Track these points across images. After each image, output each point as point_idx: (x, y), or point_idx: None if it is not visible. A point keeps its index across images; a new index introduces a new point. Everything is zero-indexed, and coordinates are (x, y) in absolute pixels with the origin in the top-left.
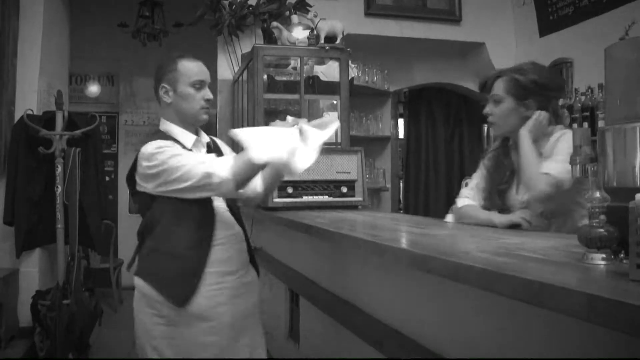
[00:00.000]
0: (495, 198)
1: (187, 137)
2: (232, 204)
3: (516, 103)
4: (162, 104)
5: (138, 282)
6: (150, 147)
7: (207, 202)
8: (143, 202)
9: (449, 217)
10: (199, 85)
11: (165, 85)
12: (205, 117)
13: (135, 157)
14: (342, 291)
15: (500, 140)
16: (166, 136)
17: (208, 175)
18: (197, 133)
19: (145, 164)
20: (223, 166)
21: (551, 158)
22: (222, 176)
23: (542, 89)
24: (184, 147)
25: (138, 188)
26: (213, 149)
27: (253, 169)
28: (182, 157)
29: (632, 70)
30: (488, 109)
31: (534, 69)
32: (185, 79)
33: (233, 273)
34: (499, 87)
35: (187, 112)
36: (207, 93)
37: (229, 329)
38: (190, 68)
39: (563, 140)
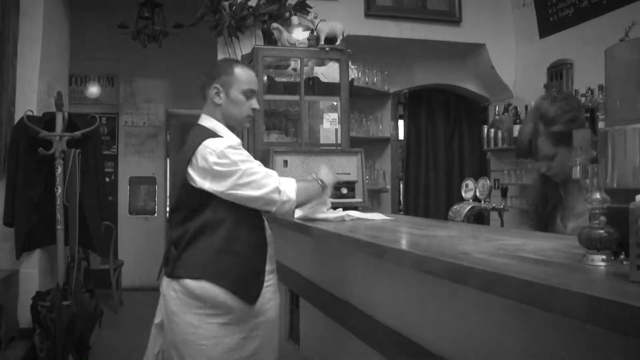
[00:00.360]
0: (542, 227)
1: (233, 139)
2: None
3: (568, 147)
4: (210, 102)
5: (196, 285)
6: (220, 144)
7: None
8: (195, 199)
9: None
10: (249, 94)
11: (218, 87)
12: (248, 125)
13: (194, 149)
14: (343, 292)
15: (540, 181)
16: (212, 133)
17: (277, 190)
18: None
19: (213, 159)
20: (290, 186)
21: None
22: (289, 195)
23: (578, 119)
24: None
25: (191, 182)
26: None
27: (314, 194)
28: (254, 164)
29: (632, 72)
30: (545, 168)
31: (558, 109)
32: (239, 85)
33: (273, 271)
34: (544, 146)
35: (234, 117)
36: (255, 103)
37: (272, 323)
38: (246, 76)
39: None
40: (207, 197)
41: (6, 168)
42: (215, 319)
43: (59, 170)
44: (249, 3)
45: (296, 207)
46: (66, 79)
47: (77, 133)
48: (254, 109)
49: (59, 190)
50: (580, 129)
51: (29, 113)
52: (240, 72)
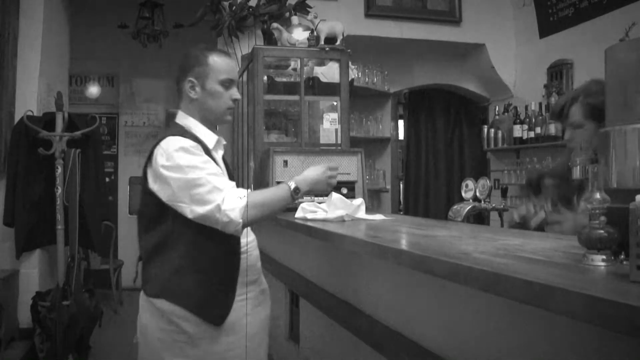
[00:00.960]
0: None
1: (209, 137)
2: None
3: (596, 125)
4: (185, 98)
5: (159, 303)
6: (172, 144)
7: None
8: (154, 207)
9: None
10: (228, 83)
11: (193, 80)
12: (229, 117)
13: (152, 149)
14: (343, 292)
15: (568, 154)
16: (186, 131)
17: (218, 209)
18: (217, 132)
19: (162, 161)
20: (235, 204)
21: None
22: (231, 216)
23: None
24: (205, 146)
25: (150, 186)
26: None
27: (277, 203)
28: (203, 173)
29: (632, 72)
30: (568, 135)
31: (601, 87)
32: (216, 75)
33: (254, 282)
34: (575, 113)
35: (212, 111)
36: (235, 92)
37: (251, 340)
38: (223, 64)
39: None
40: (162, 206)
41: (6, 168)
42: (182, 337)
43: (59, 170)
44: (249, 3)
45: (255, 220)
46: (66, 79)
47: (77, 133)
48: (234, 100)
49: (59, 190)
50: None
51: (29, 113)
52: (216, 60)
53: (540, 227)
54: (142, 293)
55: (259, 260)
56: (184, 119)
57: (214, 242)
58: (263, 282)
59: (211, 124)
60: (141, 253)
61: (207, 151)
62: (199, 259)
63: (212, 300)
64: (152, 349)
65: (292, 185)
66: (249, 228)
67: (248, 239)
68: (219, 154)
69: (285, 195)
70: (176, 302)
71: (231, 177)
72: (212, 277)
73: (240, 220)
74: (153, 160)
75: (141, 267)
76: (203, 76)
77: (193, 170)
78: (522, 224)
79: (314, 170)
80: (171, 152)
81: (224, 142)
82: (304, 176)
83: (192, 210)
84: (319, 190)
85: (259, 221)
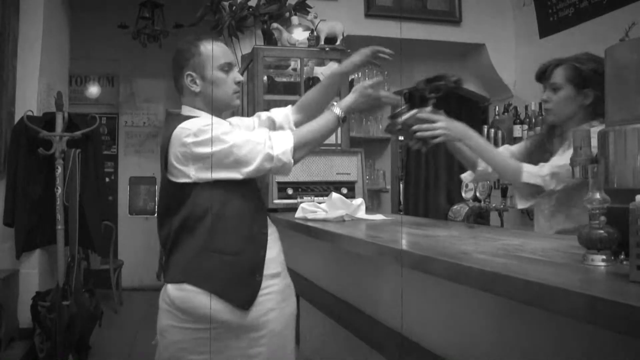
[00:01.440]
0: None
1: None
2: (263, 197)
3: (575, 91)
4: (187, 93)
5: (176, 292)
6: (196, 123)
7: (254, 192)
8: (174, 195)
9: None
10: (227, 67)
11: (191, 73)
12: (237, 102)
13: (169, 137)
14: (343, 292)
15: (547, 128)
16: (190, 117)
17: (270, 158)
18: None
19: (191, 140)
20: (286, 146)
21: (561, 156)
22: (285, 160)
23: (601, 77)
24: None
25: (171, 176)
26: None
27: (323, 133)
28: (240, 137)
29: (632, 72)
30: (546, 95)
31: (593, 58)
32: (213, 62)
33: (278, 275)
34: (558, 75)
35: (219, 99)
36: (237, 75)
37: (277, 337)
38: (216, 50)
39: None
40: (185, 191)
41: (6, 168)
42: (204, 334)
43: (59, 170)
44: (249, 3)
45: (305, 156)
46: (66, 79)
47: (77, 133)
48: (238, 82)
49: (59, 190)
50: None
51: (29, 113)
52: (209, 47)
53: (410, 125)
54: (162, 292)
55: (282, 253)
56: (190, 112)
57: (235, 225)
58: (288, 276)
59: (219, 112)
60: (161, 243)
61: None
62: (221, 240)
63: (236, 280)
64: (172, 351)
65: (337, 111)
66: (269, 221)
67: (271, 229)
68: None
69: (332, 126)
70: (199, 285)
71: None
72: (236, 258)
73: (292, 160)
74: (176, 144)
75: (163, 258)
76: (200, 67)
77: (229, 135)
78: (393, 121)
79: (352, 92)
80: (200, 128)
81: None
82: (345, 100)
83: (242, 172)
84: (367, 105)
85: (312, 148)
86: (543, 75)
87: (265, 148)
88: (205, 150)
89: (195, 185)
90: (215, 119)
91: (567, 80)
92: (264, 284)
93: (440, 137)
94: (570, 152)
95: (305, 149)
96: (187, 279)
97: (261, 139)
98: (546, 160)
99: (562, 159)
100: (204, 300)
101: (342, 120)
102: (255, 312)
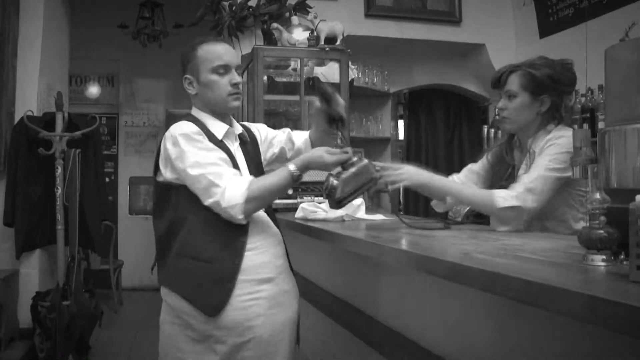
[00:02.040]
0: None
1: (218, 127)
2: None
3: (531, 98)
4: (190, 95)
5: (164, 291)
6: (178, 128)
7: None
8: (160, 196)
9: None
10: (222, 70)
11: (189, 76)
12: (235, 103)
13: (162, 139)
14: (342, 292)
15: (507, 137)
16: (198, 120)
17: (219, 205)
18: (230, 123)
19: (168, 145)
20: (235, 200)
21: (529, 171)
22: (232, 214)
23: (557, 83)
24: (213, 137)
25: (158, 177)
26: (248, 141)
27: (277, 188)
28: (201, 171)
29: (632, 72)
30: (502, 103)
31: (547, 63)
32: (207, 65)
33: (270, 280)
34: (513, 82)
35: (213, 101)
36: (233, 77)
37: (265, 344)
38: (211, 52)
39: (553, 146)
40: (169, 193)
41: (6, 168)
42: (189, 332)
43: (59, 170)
44: (249, 3)
45: (257, 211)
46: (66, 79)
47: (77, 133)
48: (234, 84)
49: (59, 191)
50: (578, 129)
51: (29, 113)
52: (205, 49)
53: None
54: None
55: (281, 258)
56: (195, 113)
57: (216, 230)
58: (285, 282)
59: (220, 115)
60: (155, 242)
61: (216, 142)
62: (194, 246)
63: (207, 287)
64: (165, 344)
65: (292, 168)
66: (270, 223)
67: (262, 235)
68: (234, 145)
69: (286, 183)
70: (174, 289)
71: (258, 170)
72: (208, 265)
73: (241, 216)
74: (162, 148)
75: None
76: (196, 70)
77: (192, 167)
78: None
79: (313, 151)
80: (176, 136)
81: (239, 132)
82: (301, 158)
83: (202, 199)
84: (321, 167)
85: (260, 209)
86: (498, 83)
87: (217, 196)
88: (178, 165)
89: (177, 188)
90: (197, 132)
91: (522, 87)
92: (251, 289)
93: (403, 182)
94: (539, 161)
95: (256, 203)
96: (164, 282)
97: (221, 184)
98: (509, 173)
99: (531, 172)
100: (178, 302)
101: (295, 179)
102: (238, 317)
